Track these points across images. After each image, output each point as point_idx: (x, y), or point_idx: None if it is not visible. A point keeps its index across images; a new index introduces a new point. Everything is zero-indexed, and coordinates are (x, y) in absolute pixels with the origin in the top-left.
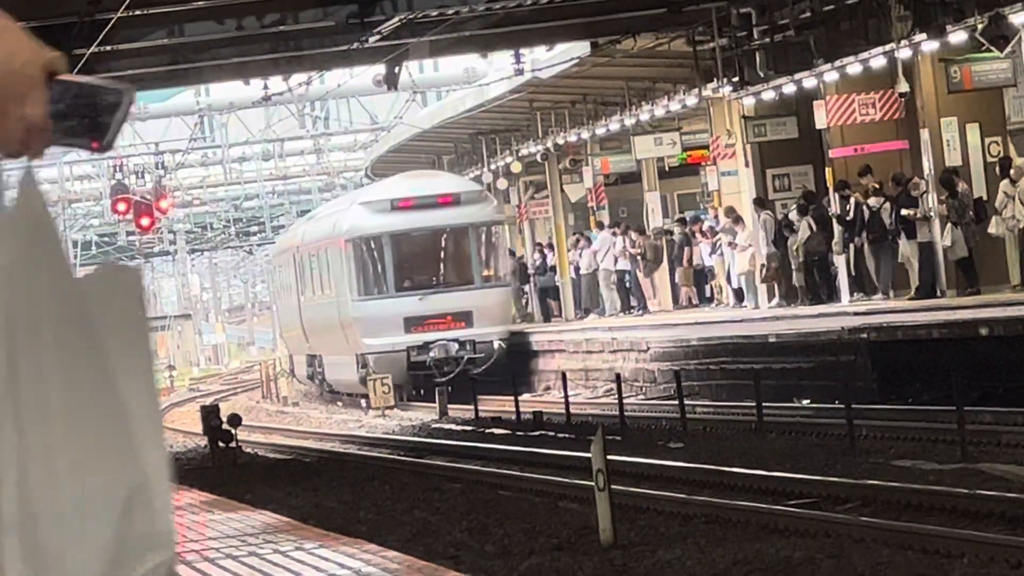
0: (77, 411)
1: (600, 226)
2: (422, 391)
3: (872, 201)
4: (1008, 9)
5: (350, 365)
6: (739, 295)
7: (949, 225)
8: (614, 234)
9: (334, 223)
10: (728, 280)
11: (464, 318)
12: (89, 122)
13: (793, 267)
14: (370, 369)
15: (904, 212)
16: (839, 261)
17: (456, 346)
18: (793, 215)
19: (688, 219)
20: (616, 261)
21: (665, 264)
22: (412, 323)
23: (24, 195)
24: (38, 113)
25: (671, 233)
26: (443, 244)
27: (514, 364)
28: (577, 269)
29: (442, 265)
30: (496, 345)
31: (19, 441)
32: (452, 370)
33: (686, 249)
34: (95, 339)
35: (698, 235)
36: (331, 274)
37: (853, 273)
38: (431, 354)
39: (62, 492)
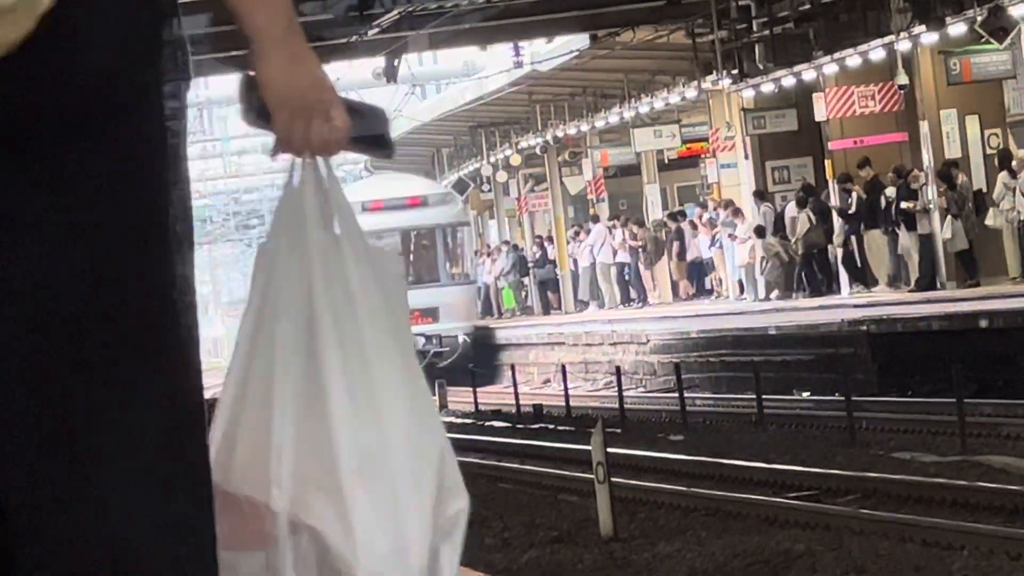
0: (388, 374)
1: (594, 219)
2: None
3: (889, 191)
4: (1007, 1)
5: None
6: (742, 287)
7: (949, 217)
8: (613, 227)
9: None
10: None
11: (431, 314)
12: (364, 132)
13: (767, 264)
14: None
15: (904, 204)
16: (838, 254)
17: (423, 340)
18: (791, 208)
19: (687, 212)
20: (615, 254)
21: (665, 256)
22: None
23: (326, 186)
24: (343, 121)
25: (667, 226)
26: (411, 244)
27: (514, 357)
28: (576, 262)
29: (410, 264)
30: (461, 340)
31: (348, 395)
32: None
33: (676, 243)
34: (394, 315)
35: (699, 226)
36: None
37: (859, 265)
38: None
39: (392, 441)
